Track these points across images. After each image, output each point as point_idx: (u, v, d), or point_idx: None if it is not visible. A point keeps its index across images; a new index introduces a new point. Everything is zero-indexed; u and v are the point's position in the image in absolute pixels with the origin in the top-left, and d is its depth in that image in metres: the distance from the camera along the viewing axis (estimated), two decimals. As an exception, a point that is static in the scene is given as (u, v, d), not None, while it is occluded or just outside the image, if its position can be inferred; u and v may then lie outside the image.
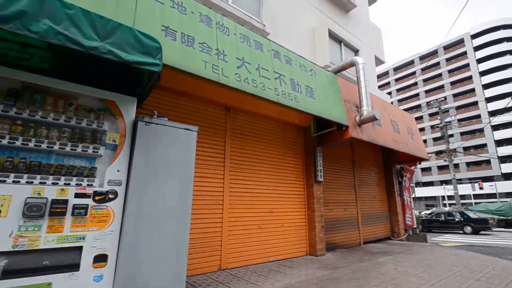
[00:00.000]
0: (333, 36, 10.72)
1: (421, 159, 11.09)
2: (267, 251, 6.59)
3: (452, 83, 64.54)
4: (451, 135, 59.96)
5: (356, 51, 11.79)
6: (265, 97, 5.39)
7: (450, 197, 51.76)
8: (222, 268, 5.69)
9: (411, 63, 72.55)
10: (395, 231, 10.82)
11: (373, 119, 7.28)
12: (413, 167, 13.15)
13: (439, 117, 33.74)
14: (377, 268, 6.15)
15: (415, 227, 11.85)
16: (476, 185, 32.14)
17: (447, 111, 36.25)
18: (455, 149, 53.11)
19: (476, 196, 52.26)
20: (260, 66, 5.59)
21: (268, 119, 7.44)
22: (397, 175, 11.50)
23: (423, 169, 64.14)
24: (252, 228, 6.44)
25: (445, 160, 33.73)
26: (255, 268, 5.93)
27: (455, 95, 63.61)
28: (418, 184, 63.87)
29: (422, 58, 70.61)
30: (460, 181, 52.24)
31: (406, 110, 65.27)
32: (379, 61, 14.51)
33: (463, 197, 48.57)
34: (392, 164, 11.39)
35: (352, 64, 8.21)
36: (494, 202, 36.25)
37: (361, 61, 7.96)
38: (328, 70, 8.02)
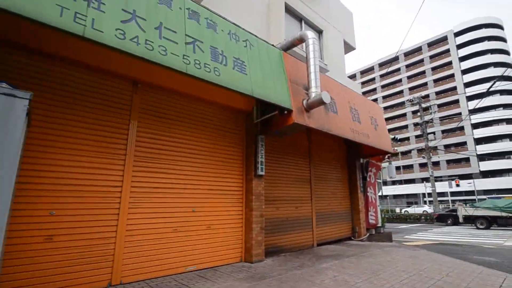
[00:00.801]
0: (291, 12, 9.62)
1: (385, 152, 10.18)
2: (185, 259, 5.46)
3: (435, 81, 64.92)
4: (433, 133, 60.46)
5: (320, 32, 10.75)
6: (164, 64, 4.22)
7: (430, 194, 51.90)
8: (113, 283, 4.52)
9: (396, 59, 72.63)
10: (356, 231, 9.90)
11: (320, 102, 6.22)
12: (382, 162, 12.30)
13: (418, 114, 33.42)
14: (312, 277, 5.13)
15: (380, 225, 10.99)
16: (453, 182, 31.92)
17: (428, 108, 35.97)
18: (436, 147, 53.48)
19: (455, 194, 52.80)
20: (163, 25, 4.42)
21: (199, 100, 6.29)
22: (361, 170, 10.58)
23: (404, 167, 64.53)
24: (165, 232, 5.29)
25: (423, 157, 33.48)
26: (160, 282, 4.80)
27: (437, 93, 64.03)
28: (401, 181, 64.26)
29: (407, 54, 70.85)
30: (440, 178, 52.59)
31: (390, 107, 65.48)
32: (349, 47, 13.54)
33: (442, 194, 48.85)
34: (356, 158, 10.45)
35: (302, 40, 7.14)
36: (499, 198, 36.30)
37: (311, 35, 6.89)
38: (276, 47, 6.93)
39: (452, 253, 9.26)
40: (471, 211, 21.03)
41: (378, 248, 8.33)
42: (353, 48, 13.69)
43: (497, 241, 13.06)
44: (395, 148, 19.75)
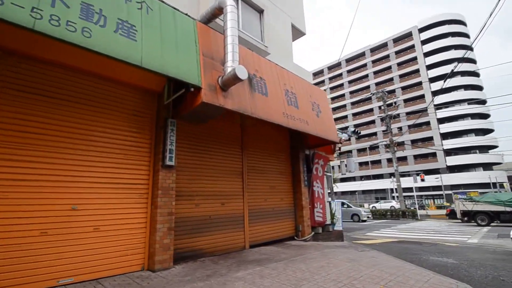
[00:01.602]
0: (223, -14, 8.78)
1: (329, 142, 9.59)
2: (58, 269, 4.47)
3: (401, 76, 66.70)
4: (399, 128, 62.08)
5: (260, 12, 9.99)
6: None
7: (404, 189, 53.06)
8: None
9: (362, 55, 74.01)
10: (299, 230, 9.25)
11: (234, 78, 5.42)
12: (333, 154, 11.77)
13: (381, 107, 33.83)
14: (213, 289, 4.32)
15: (328, 223, 10.43)
16: (418, 177, 32.47)
17: (392, 104, 36.50)
18: (403, 142, 54.82)
19: (423, 189, 54.40)
20: (-7, -36, 3.44)
21: (95, 77, 5.33)
22: (305, 162, 9.94)
23: (373, 162, 65.82)
24: (29, 236, 4.29)
25: (387, 152, 33.91)
26: (7, 302, 3.81)
27: (403, 88, 65.78)
28: (369, 177, 65.46)
29: (373, 50, 72.31)
30: (408, 173, 53.93)
31: (358, 102, 66.49)
32: (298, 32, 12.92)
33: (410, 190, 50.09)
34: (299, 149, 9.80)
35: (220, 8, 6.32)
36: (464, 193, 37.20)
37: (230, 2, 6.07)
38: (192, 17, 6.05)
39: (407, 253, 8.85)
40: (470, 206, 19.67)
41: (318, 250, 7.68)
42: (302, 34, 13.08)
43: (461, 238, 12.98)
44: (345, 140, 19.54)
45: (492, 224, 19.20)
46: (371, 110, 68.39)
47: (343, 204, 26.01)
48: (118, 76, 5.52)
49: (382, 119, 66.66)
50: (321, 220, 9.81)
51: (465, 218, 19.96)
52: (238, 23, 6.18)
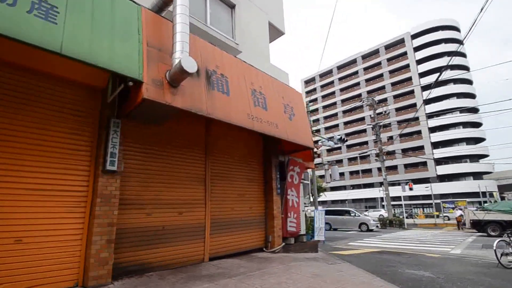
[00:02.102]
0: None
1: (304, 148, 9.09)
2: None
3: (393, 84, 66.91)
4: (390, 137, 62.16)
5: (232, 6, 9.52)
6: None
7: (393, 198, 52.73)
8: None
9: (354, 62, 74.23)
10: (269, 241, 8.69)
11: (181, 71, 4.89)
12: (311, 162, 11.29)
13: (371, 116, 33.63)
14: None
15: (303, 233, 9.90)
16: (407, 186, 32.20)
17: (382, 113, 36.28)
18: (394, 151, 54.75)
19: (413, 198, 54.21)
20: None
21: (27, 72, 4.77)
22: (279, 169, 9.42)
23: (363, 171, 65.63)
24: None
25: (376, 160, 33.63)
26: None
27: (395, 96, 65.96)
28: (360, 186, 65.21)
29: (365, 57, 72.59)
30: (398, 182, 53.72)
31: (349, 110, 66.43)
32: (276, 32, 12.51)
33: (399, 198, 49.87)
34: (273, 155, 9.29)
35: (174, -3, 5.81)
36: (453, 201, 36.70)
37: (182, -11, 5.58)
38: (142, 6, 5.54)
39: (383, 265, 8.33)
40: (481, 215, 18.49)
41: (283, 263, 7.13)
42: (281, 33, 12.68)
43: (443, 249, 12.54)
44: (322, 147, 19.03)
45: (480, 234, 18.78)
46: (362, 119, 68.47)
47: (348, 212, 25.35)
48: (54, 70, 4.96)
49: (372, 127, 66.43)
50: (294, 230, 9.26)
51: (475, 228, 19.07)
52: (204, 15, 5.66)
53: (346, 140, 22.28)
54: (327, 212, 26.49)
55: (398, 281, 6.54)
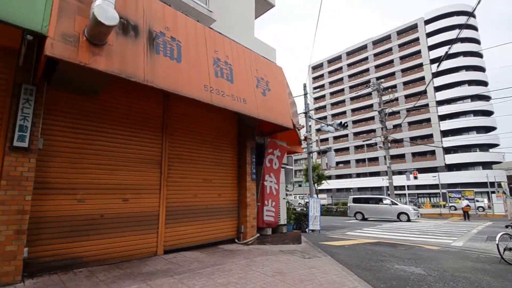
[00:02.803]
0: None
1: (281, 128, 8.02)
2: None
3: (403, 70, 64.65)
4: (399, 125, 60.39)
5: (205, -31, 8.40)
6: None
7: (400, 187, 51.21)
8: None
9: (364, 47, 71.95)
10: (241, 231, 7.77)
11: (96, 23, 3.85)
12: (299, 146, 10.25)
13: (379, 103, 32.18)
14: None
15: (283, 223, 8.95)
16: (411, 175, 30.96)
17: (391, 100, 34.72)
18: (402, 139, 53.14)
19: (419, 187, 52.77)
20: None
21: None
22: (255, 152, 8.42)
23: (370, 159, 64.16)
24: None
25: (380, 148, 32.35)
26: None
27: (405, 83, 63.88)
28: (366, 174, 63.84)
29: (375, 43, 70.25)
30: (405, 171, 52.21)
31: (356, 98, 64.55)
32: (265, 3, 11.32)
33: (405, 188, 48.41)
34: (248, 136, 8.28)
35: None
36: (460, 191, 35.27)
37: None
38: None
39: (372, 259, 7.40)
40: None
41: (247, 258, 6.21)
42: (271, 5, 11.49)
43: (445, 241, 11.54)
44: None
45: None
46: (371, 105, 66.60)
47: (381, 200, 23.79)
48: None
49: (379, 113, 64.20)
50: (272, 220, 8.32)
51: None
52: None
53: (347, 125, 21.10)
54: (358, 200, 25.19)
55: (382, 279, 5.63)
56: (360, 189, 61.42)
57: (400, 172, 52.26)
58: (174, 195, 6.58)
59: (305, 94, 19.08)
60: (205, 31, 6.33)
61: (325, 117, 70.36)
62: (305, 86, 19.19)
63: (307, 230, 15.57)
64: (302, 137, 10.27)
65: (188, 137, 7.12)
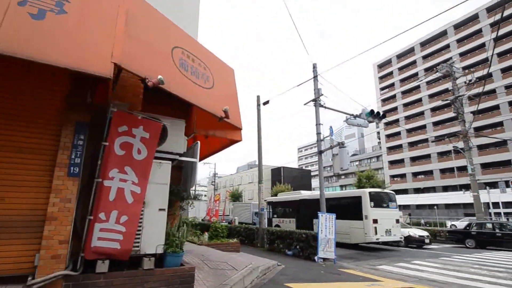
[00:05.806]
0: None
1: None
2: None
3: (500, 55, 54.33)
4: (500, 123, 50.85)
5: None
6: None
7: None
8: None
9: (443, 34, 64.18)
10: (36, 264, 4.71)
11: None
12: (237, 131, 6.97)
13: (451, 87, 26.20)
14: None
15: (150, 253, 5.59)
16: (508, 189, 23.89)
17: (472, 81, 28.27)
18: (505, 140, 43.94)
19: (495, 205, 40.06)
20: None
21: None
22: (85, 130, 5.36)
23: (458, 168, 54.34)
24: None
25: (454, 147, 25.98)
26: None
27: (503, 70, 54.04)
28: (455, 187, 54.12)
29: (457, 26, 61.92)
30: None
31: (409, 104, 57.61)
32: None
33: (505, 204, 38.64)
34: (73, 105, 5.33)
35: None
36: None
37: None
38: None
39: None
40: None
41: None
42: None
43: None
44: None
45: None
46: (421, 113, 58.79)
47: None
48: None
49: (432, 110, 55.10)
50: (116, 247, 5.05)
51: None
52: None
53: (385, 116, 16.56)
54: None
55: None
56: (447, 206, 52.22)
57: (489, 184, 42.46)
58: None
59: (315, 77, 15.37)
60: None
61: (397, 120, 63.37)
62: (314, 66, 15.52)
63: (316, 258, 12.13)
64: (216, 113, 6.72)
65: None
